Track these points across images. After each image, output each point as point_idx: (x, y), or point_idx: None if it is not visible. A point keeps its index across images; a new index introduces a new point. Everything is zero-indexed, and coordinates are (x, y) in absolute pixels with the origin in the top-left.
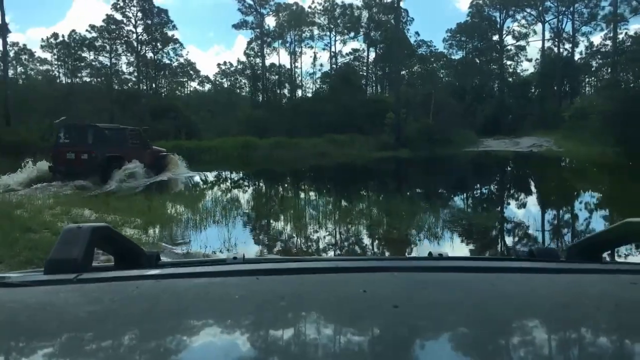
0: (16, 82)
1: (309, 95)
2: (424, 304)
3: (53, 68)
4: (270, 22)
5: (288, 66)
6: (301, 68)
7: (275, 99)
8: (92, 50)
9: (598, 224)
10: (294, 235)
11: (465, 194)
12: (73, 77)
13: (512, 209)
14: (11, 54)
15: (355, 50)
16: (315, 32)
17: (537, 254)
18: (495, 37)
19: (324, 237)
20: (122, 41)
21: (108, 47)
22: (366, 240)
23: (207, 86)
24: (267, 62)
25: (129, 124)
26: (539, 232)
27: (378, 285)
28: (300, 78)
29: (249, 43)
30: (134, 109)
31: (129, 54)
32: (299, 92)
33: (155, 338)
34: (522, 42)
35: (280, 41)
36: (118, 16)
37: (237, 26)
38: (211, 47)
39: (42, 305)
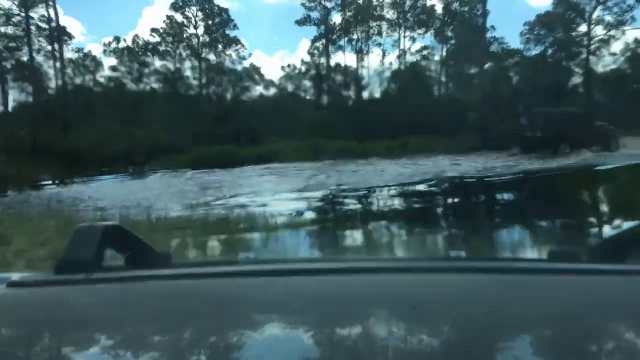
0: (84, 90)
1: (377, 95)
2: (442, 306)
3: (119, 74)
4: (335, 19)
5: (354, 65)
6: (368, 67)
7: (341, 100)
8: (156, 55)
9: None
10: None
11: None
12: (139, 82)
13: None
14: (79, 61)
15: (424, 47)
16: (384, 27)
17: (557, 254)
18: (582, 28)
19: None
20: (185, 44)
21: (171, 51)
22: None
23: (272, 90)
24: (332, 62)
25: (193, 127)
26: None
27: (396, 286)
28: (367, 77)
29: (313, 41)
30: (196, 113)
31: (192, 58)
32: (366, 93)
33: (166, 339)
34: (613, 32)
35: (346, 39)
36: (178, 17)
37: (300, 22)
38: (276, 52)
39: (54, 306)
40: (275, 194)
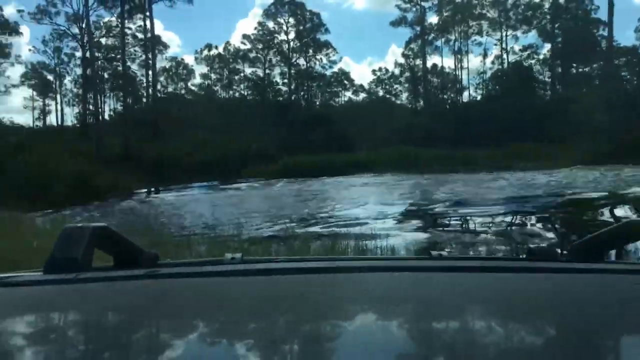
0: (176, 98)
1: (477, 98)
2: (424, 304)
3: (209, 82)
4: (432, 19)
5: (451, 67)
6: (468, 68)
7: (438, 103)
8: (247, 62)
9: None
10: None
11: None
12: (229, 90)
13: None
14: (172, 69)
15: (529, 46)
16: (484, 26)
17: (536, 253)
18: None
19: None
20: (275, 51)
21: (262, 58)
22: None
23: (362, 95)
24: (428, 64)
25: (282, 134)
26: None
27: (378, 285)
28: (467, 79)
29: (408, 43)
30: (285, 119)
31: (282, 64)
32: (465, 96)
33: (154, 337)
34: None
35: (443, 39)
36: (270, 24)
37: (395, 23)
38: (364, 59)
39: (42, 305)
40: (383, 206)
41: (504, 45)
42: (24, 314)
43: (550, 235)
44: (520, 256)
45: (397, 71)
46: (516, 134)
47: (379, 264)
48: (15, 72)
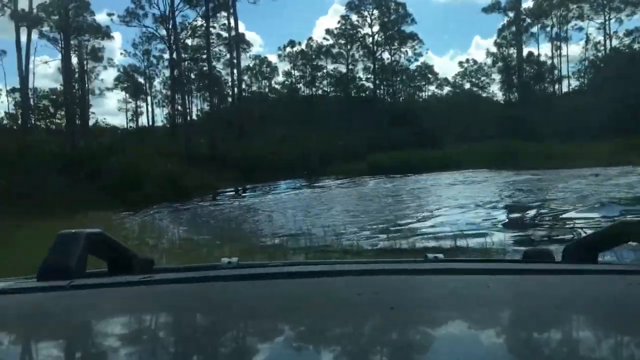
0: (260, 96)
1: (578, 88)
2: (420, 307)
3: (292, 80)
4: (527, 4)
5: (549, 54)
6: (567, 56)
7: (534, 94)
8: (329, 58)
9: None
10: None
11: None
12: (311, 87)
13: None
14: (256, 67)
15: (634, 30)
16: (585, 9)
17: (531, 255)
18: None
19: None
20: (359, 45)
21: (345, 53)
22: None
23: (446, 89)
24: (524, 52)
25: (366, 131)
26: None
27: (374, 288)
28: (566, 68)
29: (501, 30)
30: (370, 116)
31: (365, 59)
32: (565, 85)
33: (149, 344)
34: None
35: (539, 25)
36: (353, 17)
37: (488, 9)
38: (446, 52)
39: (36, 312)
40: (493, 209)
41: (606, 30)
42: (16, 321)
43: None
44: (516, 258)
45: (489, 61)
46: (627, 125)
47: (375, 267)
48: (109, 75)
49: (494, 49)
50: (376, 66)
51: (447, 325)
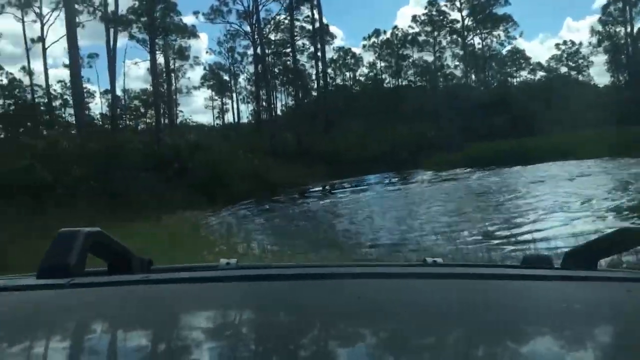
0: (345, 88)
1: None
2: (418, 311)
3: (377, 70)
4: None
5: None
6: None
7: None
8: (416, 46)
9: None
10: None
11: None
12: (397, 77)
13: None
14: (340, 59)
15: None
16: None
17: (531, 260)
18: None
19: None
20: (446, 31)
21: (431, 40)
22: None
23: (539, 74)
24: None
25: (457, 121)
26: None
27: (372, 291)
28: None
29: (605, 7)
30: (460, 104)
31: (453, 45)
32: None
33: (147, 343)
34: None
35: None
36: (441, 2)
37: None
38: (534, 37)
39: (35, 310)
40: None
41: None
42: (16, 319)
43: None
44: (515, 264)
45: (594, 40)
46: None
47: (374, 270)
48: (196, 74)
49: (597, 28)
50: (466, 52)
51: (445, 330)
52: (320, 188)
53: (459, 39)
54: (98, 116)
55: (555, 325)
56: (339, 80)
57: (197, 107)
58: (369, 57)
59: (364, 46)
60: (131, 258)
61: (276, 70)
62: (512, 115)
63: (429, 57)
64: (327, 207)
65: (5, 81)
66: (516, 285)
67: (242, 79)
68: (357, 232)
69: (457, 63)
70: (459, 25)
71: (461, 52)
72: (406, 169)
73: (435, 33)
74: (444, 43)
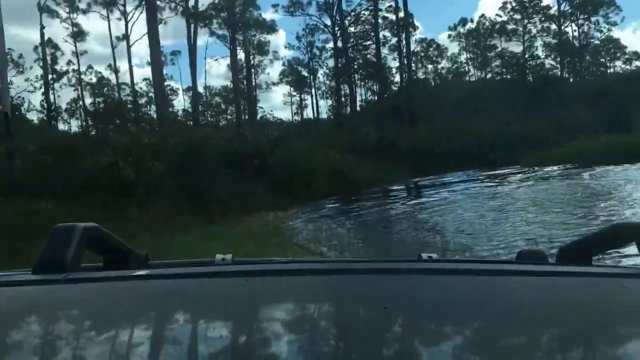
0: (427, 82)
1: None
2: (413, 307)
3: (462, 62)
4: None
5: None
6: None
7: None
8: (503, 36)
9: None
10: None
11: None
12: (483, 69)
13: None
14: (423, 51)
15: None
16: None
17: (525, 256)
18: None
19: None
20: (540, 17)
21: (520, 29)
22: None
23: (635, 63)
24: None
25: (550, 115)
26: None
27: (368, 287)
28: None
29: None
30: (554, 97)
31: (544, 34)
32: None
33: (144, 339)
34: None
35: None
36: None
37: None
38: (627, 25)
39: (31, 306)
40: None
41: None
42: (12, 314)
43: None
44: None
45: None
46: None
47: (369, 266)
48: (274, 70)
49: None
50: (561, 40)
51: (439, 325)
52: (404, 186)
53: (552, 25)
54: (181, 113)
55: (550, 320)
56: (420, 74)
57: (276, 104)
58: (453, 48)
59: (449, 36)
60: (128, 253)
61: (356, 64)
62: (612, 108)
63: (517, 48)
64: (421, 209)
65: (94, 80)
66: (511, 281)
67: (320, 74)
68: (474, 246)
69: (547, 53)
70: (553, 11)
71: (553, 41)
72: (499, 166)
73: (525, 21)
74: (534, 31)
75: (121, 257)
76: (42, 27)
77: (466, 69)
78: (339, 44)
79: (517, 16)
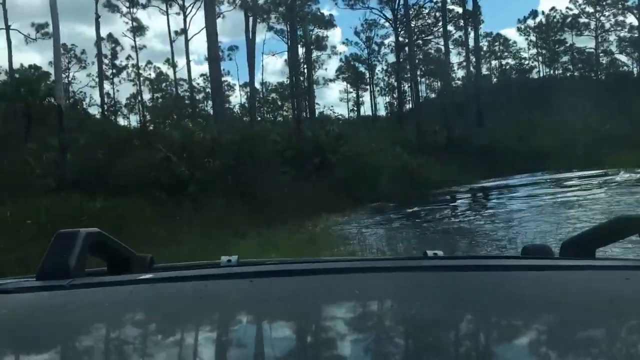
0: (489, 78)
1: None
2: (419, 304)
3: (531, 56)
4: None
5: None
6: None
7: None
8: (574, 30)
9: None
10: None
11: None
12: (553, 65)
13: None
14: (488, 45)
15: None
16: None
17: (530, 251)
18: None
19: None
20: (616, 11)
21: (593, 22)
22: None
23: None
24: None
25: (631, 114)
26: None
27: (374, 285)
28: None
29: None
30: (628, 95)
31: (619, 28)
32: None
33: (150, 342)
34: None
35: None
36: None
37: None
38: None
39: (36, 312)
40: None
41: None
42: (17, 320)
43: None
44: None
45: None
46: None
47: (374, 264)
48: (331, 67)
49: None
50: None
51: (446, 321)
52: (474, 189)
53: (627, 19)
54: (237, 109)
55: (555, 314)
56: (484, 69)
57: (332, 100)
58: (520, 42)
59: (518, 29)
60: (132, 257)
61: (416, 59)
62: None
63: (588, 42)
64: (492, 218)
65: (153, 75)
66: (516, 276)
67: (378, 70)
68: None
69: (621, 48)
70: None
71: (628, 35)
72: (581, 167)
73: (598, 13)
74: (607, 26)
75: (125, 261)
76: (98, 17)
77: (534, 64)
78: (402, 37)
79: (590, 9)
